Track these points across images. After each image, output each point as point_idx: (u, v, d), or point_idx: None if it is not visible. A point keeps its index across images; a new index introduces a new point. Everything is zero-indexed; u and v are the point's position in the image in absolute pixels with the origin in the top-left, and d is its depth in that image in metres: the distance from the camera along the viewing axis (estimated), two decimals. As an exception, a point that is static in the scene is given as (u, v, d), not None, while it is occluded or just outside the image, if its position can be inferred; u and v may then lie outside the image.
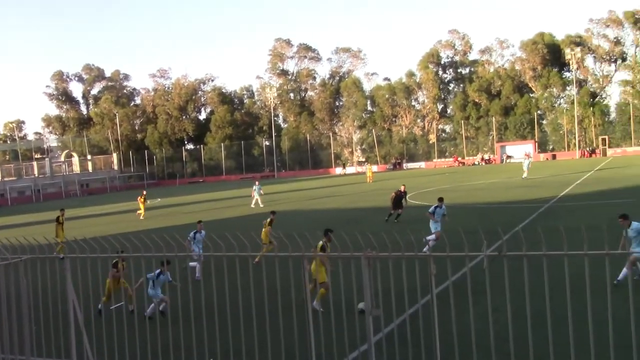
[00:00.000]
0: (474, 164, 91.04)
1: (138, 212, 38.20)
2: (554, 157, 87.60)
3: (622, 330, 6.97)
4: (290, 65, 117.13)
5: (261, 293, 7.17)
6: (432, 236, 17.38)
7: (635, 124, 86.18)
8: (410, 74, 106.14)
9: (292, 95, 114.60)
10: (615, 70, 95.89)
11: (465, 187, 43.13)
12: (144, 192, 40.43)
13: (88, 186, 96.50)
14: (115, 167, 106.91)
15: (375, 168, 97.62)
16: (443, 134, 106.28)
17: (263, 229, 18.30)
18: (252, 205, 38.72)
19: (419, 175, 65.69)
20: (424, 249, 17.10)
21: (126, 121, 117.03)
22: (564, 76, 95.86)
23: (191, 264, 16.56)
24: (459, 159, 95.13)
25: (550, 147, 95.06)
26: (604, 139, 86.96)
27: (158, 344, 7.54)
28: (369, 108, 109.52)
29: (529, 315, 5.82)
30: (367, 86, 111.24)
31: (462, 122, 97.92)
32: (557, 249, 5.89)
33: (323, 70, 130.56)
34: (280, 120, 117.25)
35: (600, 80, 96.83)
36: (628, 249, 11.52)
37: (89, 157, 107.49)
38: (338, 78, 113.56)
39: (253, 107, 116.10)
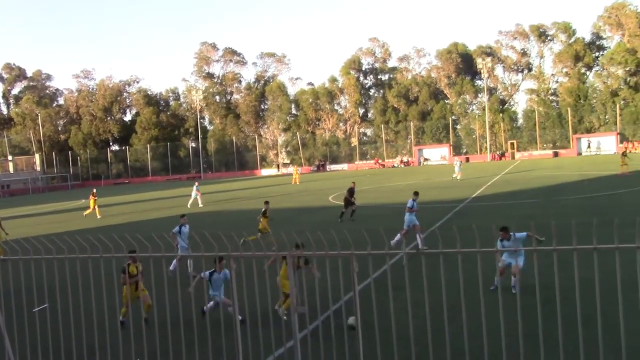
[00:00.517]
0: (393, 166, 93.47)
1: (87, 211, 36.66)
2: (467, 160, 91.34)
3: (531, 320, 7.52)
4: (216, 69, 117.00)
5: (187, 292, 7.21)
6: (398, 236, 16.78)
7: (540, 130, 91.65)
8: (333, 80, 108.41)
9: (217, 98, 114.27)
10: (522, 80, 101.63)
11: (386, 188, 44.23)
12: (94, 191, 38.87)
13: (9, 187, 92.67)
14: (38, 168, 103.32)
15: (299, 170, 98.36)
16: (364, 137, 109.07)
17: (260, 221, 19.61)
18: (200, 205, 38.67)
19: (342, 177, 66.63)
20: (395, 239, 16.59)
21: (49, 122, 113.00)
22: (476, 84, 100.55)
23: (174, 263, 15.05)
24: (380, 161, 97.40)
25: (464, 150, 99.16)
26: (512, 143, 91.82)
27: (83, 346, 7.42)
28: (294, 111, 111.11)
29: (445, 308, 6.20)
30: (292, 90, 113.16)
31: (382, 126, 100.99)
32: (470, 247, 6.27)
33: (248, 74, 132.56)
34: (207, 122, 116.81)
35: (509, 88, 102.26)
36: (499, 259, 12.35)
37: (9, 157, 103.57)
38: (263, 82, 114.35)
39: (179, 109, 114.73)
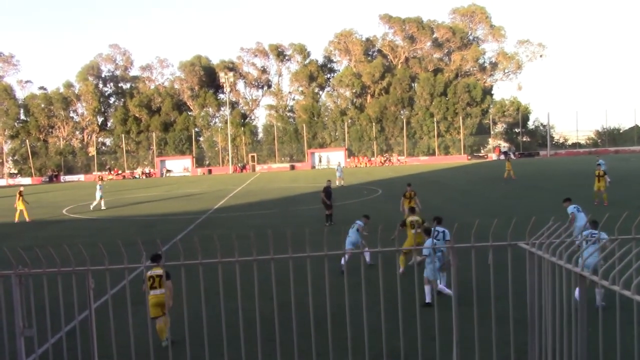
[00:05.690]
0: (134, 177, 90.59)
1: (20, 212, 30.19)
2: (210, 171, 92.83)
3: (269, 327, 7.90)
4: None
5: None
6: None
7: (278, 144, 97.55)
8: (69, 85, 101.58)
9: None
10: (263, 96, 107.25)
11: (126, 200, 42.51)
12: (21, 189, 31.82)
13: None
14: None
15: (29, 181, 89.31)
16: (103, 147, 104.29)
17: (405, 202, 21.23)
18: (103, 207, 35.40)
19: (78, 188, 62.11)
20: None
21: None
22: (219, 97, 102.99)
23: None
24: (120, 172, 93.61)
25: (207, 162, 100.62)
26: (253, 156, 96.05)
27: None
28: (22, 117, 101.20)
29: (186, 319, 6.18)
30: (21, 94, 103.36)
31: (123, 135, 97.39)
32: (212, 257, 6.37)
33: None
34: None
35: (250, 103, 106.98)
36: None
37: None
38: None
39: None
